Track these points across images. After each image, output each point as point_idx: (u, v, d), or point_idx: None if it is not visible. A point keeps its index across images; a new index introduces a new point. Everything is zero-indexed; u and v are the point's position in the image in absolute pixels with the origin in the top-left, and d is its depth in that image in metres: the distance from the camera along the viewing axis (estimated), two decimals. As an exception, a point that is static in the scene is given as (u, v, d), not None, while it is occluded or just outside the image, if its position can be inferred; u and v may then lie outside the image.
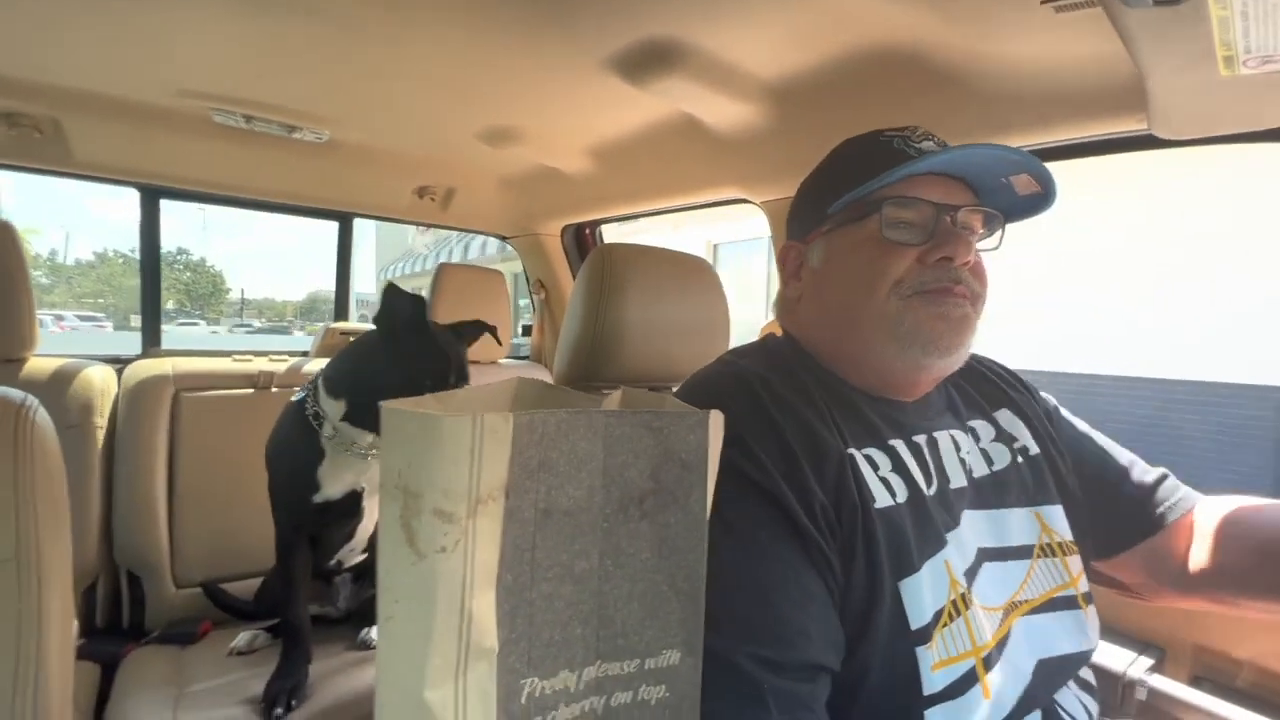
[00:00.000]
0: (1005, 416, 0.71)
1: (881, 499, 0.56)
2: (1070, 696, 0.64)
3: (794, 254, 0.70)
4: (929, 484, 0.60)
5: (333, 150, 1.42)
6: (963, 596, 0.56)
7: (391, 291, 1.06)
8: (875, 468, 0.58)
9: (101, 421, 1.31)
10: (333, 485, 1.09)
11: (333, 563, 1.19)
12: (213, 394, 1.42)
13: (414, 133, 1.42)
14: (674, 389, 1.07)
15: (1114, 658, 0.84)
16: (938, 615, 0.54)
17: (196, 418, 1.40)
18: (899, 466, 0.59)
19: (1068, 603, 0.63)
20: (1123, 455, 0.74)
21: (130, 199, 1.54)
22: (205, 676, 1.08)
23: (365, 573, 1.25)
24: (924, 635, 0.53)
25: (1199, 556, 0.68)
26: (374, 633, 1.21)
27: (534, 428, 0.26)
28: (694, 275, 1.02)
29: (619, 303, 0.92)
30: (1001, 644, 0.57)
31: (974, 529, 0.61)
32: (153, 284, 1.51)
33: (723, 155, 1.23)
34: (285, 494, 1.08)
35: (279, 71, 1.10)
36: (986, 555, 0.61)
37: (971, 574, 0.59)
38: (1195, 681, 0.82)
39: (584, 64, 0.99)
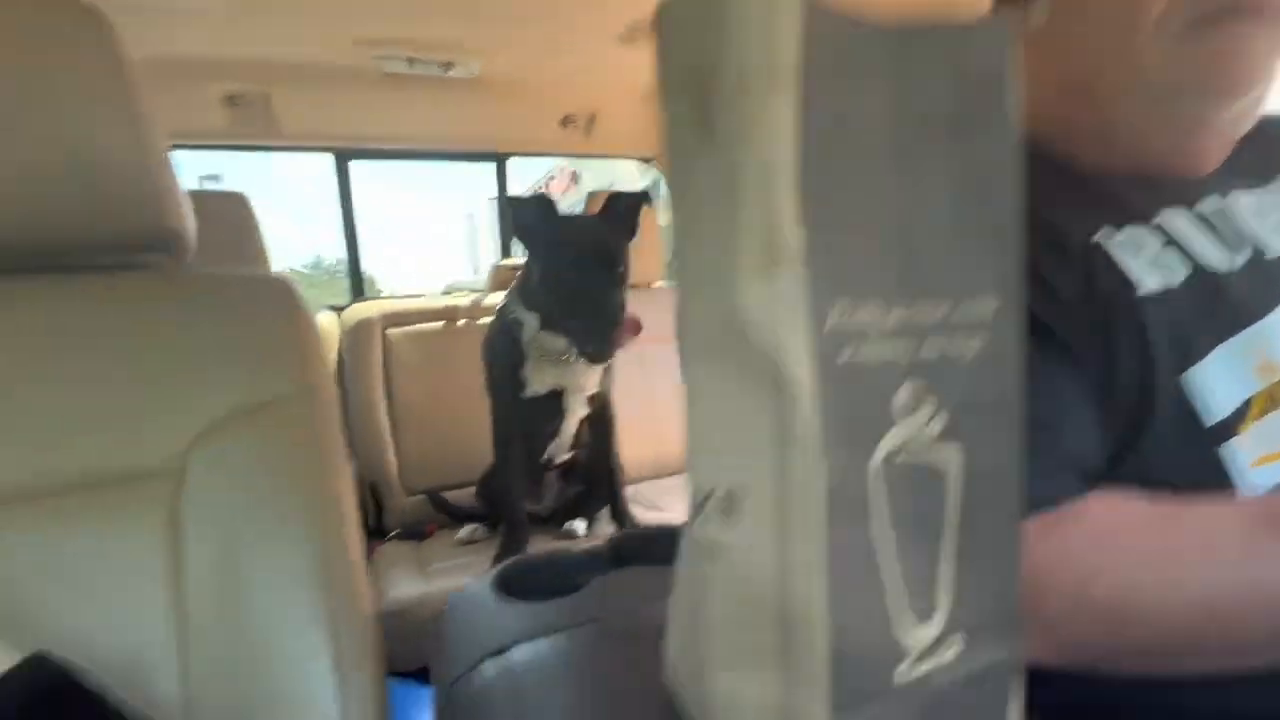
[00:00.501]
0: None
1: (1148, 283, 0.46)
2: None
3: (1010, 12, 0.54)
4: (1236, 253, 0.48)
5: (483, 86, 1.49)
6: None
7: (512, 203, 1.10)
8: (1138, 249, 0.47)
9: (333, 358, 1.52)
10: (537, 383, 1.17)
11: (544, 459, 1.28)
12: (413, 329, 1.59)
13: (554, 52, 1.43)
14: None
15: None
16: (1246, 405, 0.44)
17: (402, 350, 1.57)
18: (1174, 243, 0.48)
19: None
20: None
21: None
22: (441, 558, 1.23)
23: (571, 470, 1.33)
24: (1227, 430, 0.43)
25: None
26: (577, 524, 1.29)
27: (828, 20, 0.23)
28: None
29: None
30: None
31: None
32: (352, 241, 1.70)
33: None
34: (499, 390, 1.18)
35: (432, 5, 1.15)
36: None
37: None
38: None
39: None
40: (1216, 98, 0.47)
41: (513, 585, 0.60)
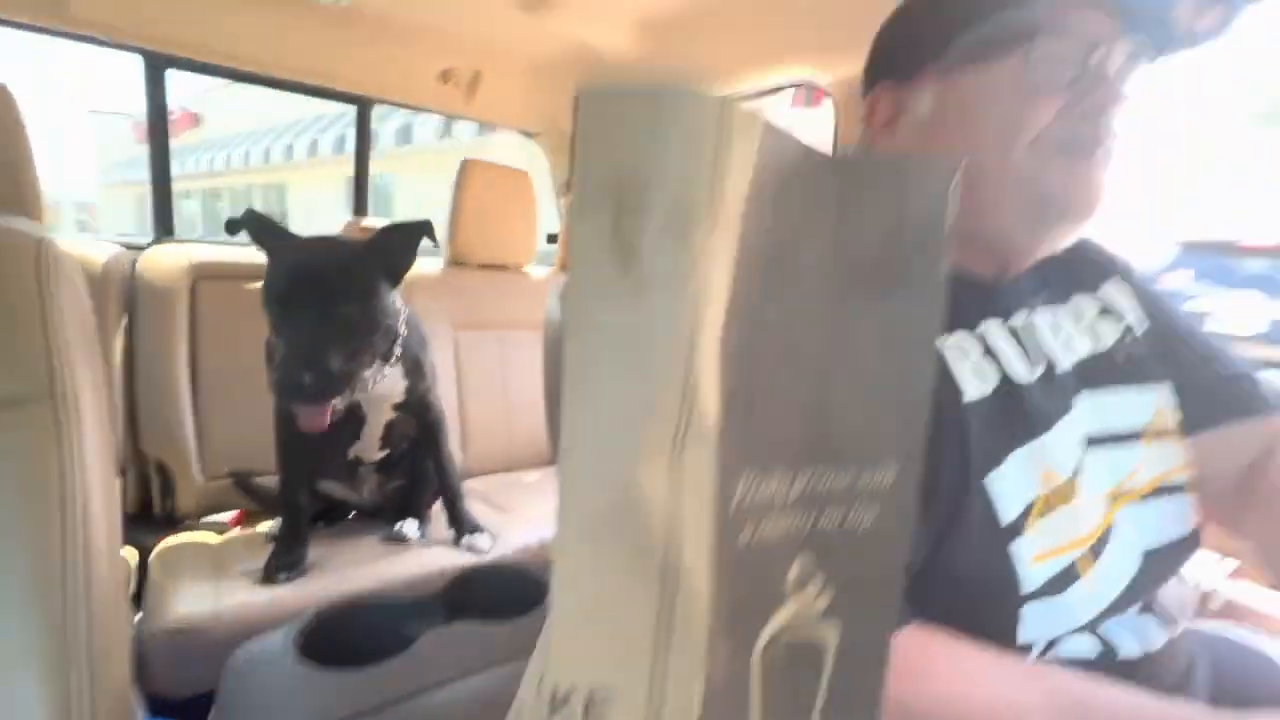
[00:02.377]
0: (1110, 289, 0.63)
1: (971, 391, 0.50)
2: (1168, 593, 0.60)
3: (887, 100, 0.57)
4: (1030, 369, 0.54)
5: (354, 21, 1.29)
6: (1059, 489, 0.51)
7: (228, 225, 0.96)
8: (965, 355, 0.52)
9: (118, 308, 1.25)
10: None
11: (350, 458, 1.16)
12: (232, 284, 1.35)
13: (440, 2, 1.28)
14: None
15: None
16: (1028, 508, 0.49)
17: (216, 308, 1.33)
18: (990, 352, 0.53)
19: (1176, 489, 0.57)
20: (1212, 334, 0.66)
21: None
22: (245, 558, 1.07)
23: (390, 466, 1.22)
24: (1015, 529, 0.48)
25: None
26: (407, 527, 1.19)
27: (780, 145, 0.19)
28: None
29: None
30: (1105, 535, 0.53)
31: (1081, 414, 0.55)
32: (161, 164, 1.40)
33: (795, 22, 1.10)
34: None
35: None
36: (1094, 442, 0.55)
37: (1078, 462, 0.53)
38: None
39: None
40: (1072, 216, 0.51)
41: (321, 643, 0.51)
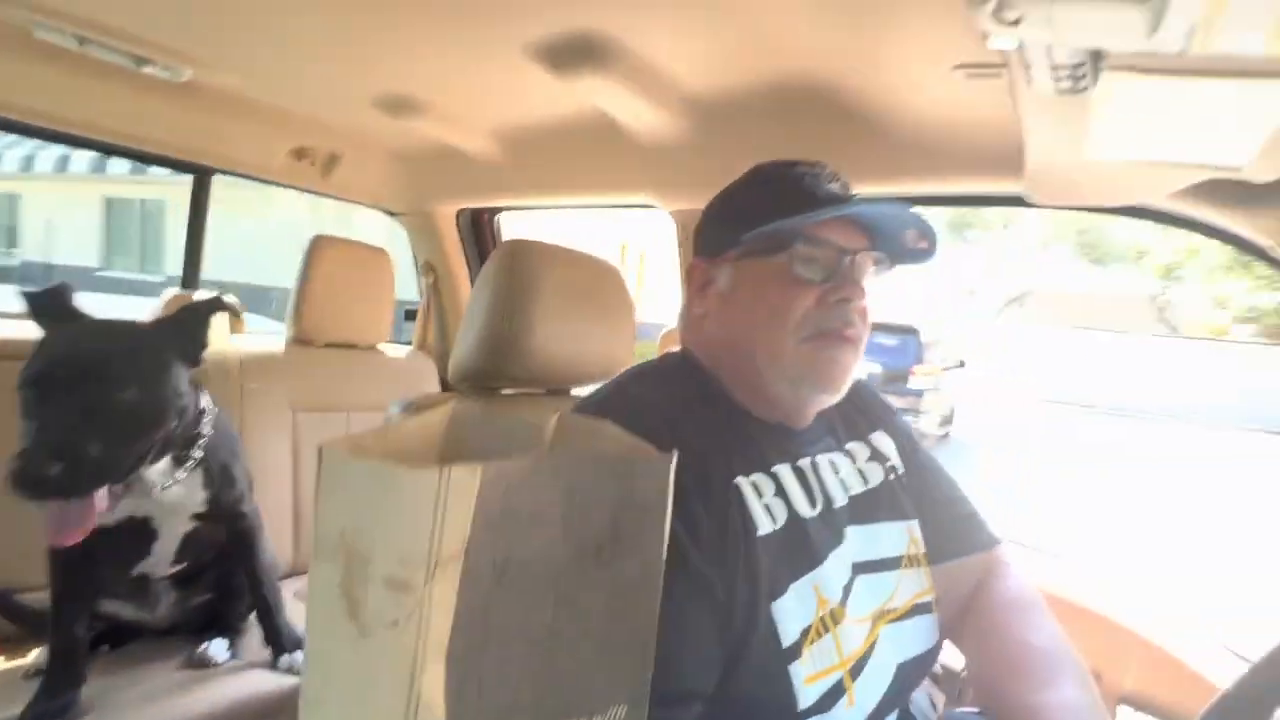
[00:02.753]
0: (878, 437, 0.77)
1: (764, 526, 0.59)
2: (921, 694, 0.71)
3: (700, 271, 0.71)
4: (812, 506, 0.64)
5: (193, 93, 1.23)
6: (831, 613, 0.60)
7: (26, 297, 0.88)
8: (759, 494, 0.61)
9: None
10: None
11: (135, 574, 1.03)
12: (10, 364, 1.18)
13: (297, 87, 1.26)
14: (572, 391, 1.06)
15: (955, 656, 0.95)
16: (805, 632, 0.58)
17: (-10, 394, 1.15)
18: (781, 491, 0.62)
19: (925, 608, 0.70)
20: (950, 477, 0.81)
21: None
22: (-8, 706, 0.90)
23: (189, 580, 1.09)
24: (794, 652, 0.56)
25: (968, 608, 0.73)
26: (213, 648, 1.07)
27: (500, 479, 0.24)
28: (603, 278, 1.01)
29: (527, 303, 0.88)
30: (868, 652, 0.62)
31: (851, 545, 0.66)
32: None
33: (636, 159, 1.22)
34: None
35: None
36: (861, 569, 0.66)
37: (847, 588, 0.63)
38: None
39: (504, 46, 0.94)
40: (823, 391, 0.65)
41: None
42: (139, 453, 0.86)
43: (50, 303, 0.88)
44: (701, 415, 0.63)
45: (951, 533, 0.76)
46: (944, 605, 0.71)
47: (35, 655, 1.01)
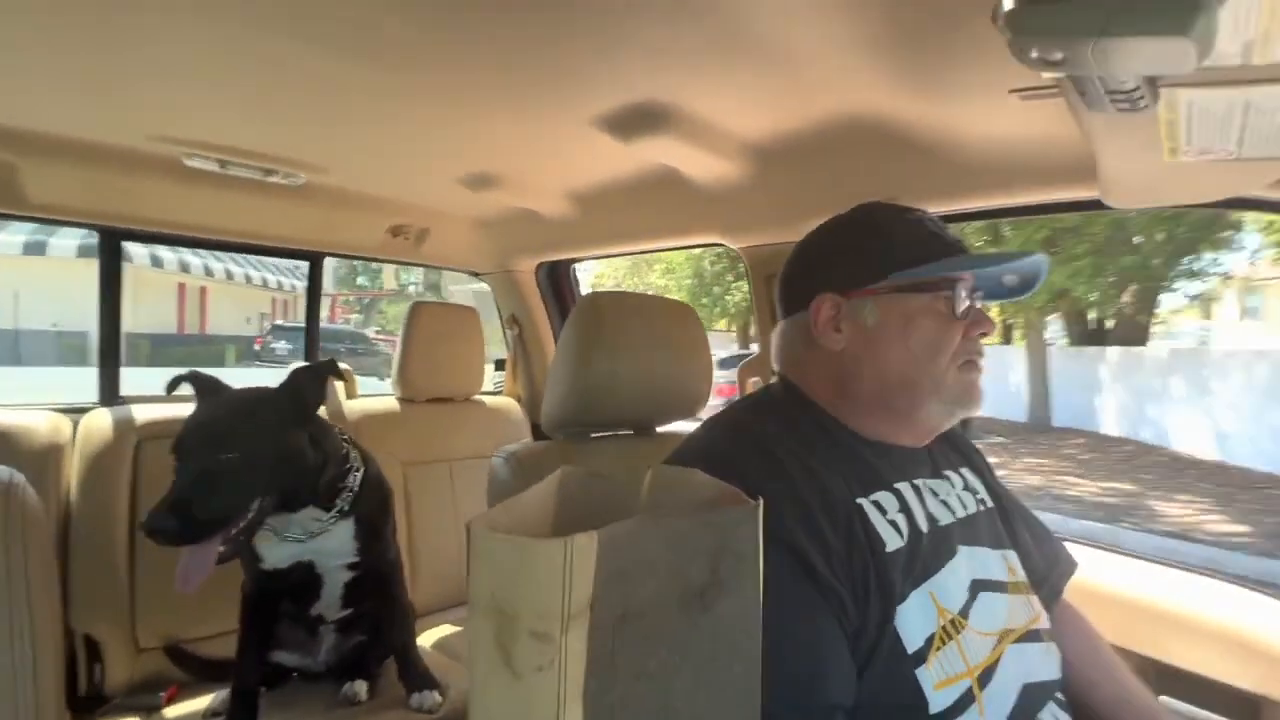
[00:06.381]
0: (967, 471, 0.78)
1: (892, 542, 0.61)
2: (1049, 715, 0.69)
3: (831, 305, 0.70)
4: (928, 521, 0.66)
5: (308, 193, 1.41)
6: (953, 622, 0.61)
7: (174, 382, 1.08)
8: (883, 511, 0.63)
9: (57, 476, 1.25)
10: (272, 557, 1.08)
11: (312, 615, 1.16)
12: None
13: (392, 178, 1.42)
14: (658, 428, 1.10)
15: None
16: (929, 640, 0.59)
17: (159, 467, 1.34)
18: (904, 507, 0.65)
19: (1040, 635, 0.69)
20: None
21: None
22: (177, 747, 1.03)
23: (350, 624, 1.21)
24: (920, 657, 0.58)
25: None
26: (356, 686, 1.17)
27: (613, 541, 0.28)
28: (679, 319, 1.05)
29: (609, 352, 0.94)
30: (993, 667, 0.62)
31: (964, 561, 0.66)
32: (111, 329, 1.44)
33: (702, 204, 1.27)
34: (242, 554, 1.05)
35: (256, 118, 1.09)
36: (980, 586, 0.66)
37: (968, 602, 0.64)
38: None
39: (571, 121, 1.02)
40: (970, 409, 0.70)
41: None
42: (244, 506, 0.97)
43: (198, 381, 1.05)
44: (815, 441, 0.67)
45: (1045, 565, 0.79)
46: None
47: (213, 699, 1.14)
